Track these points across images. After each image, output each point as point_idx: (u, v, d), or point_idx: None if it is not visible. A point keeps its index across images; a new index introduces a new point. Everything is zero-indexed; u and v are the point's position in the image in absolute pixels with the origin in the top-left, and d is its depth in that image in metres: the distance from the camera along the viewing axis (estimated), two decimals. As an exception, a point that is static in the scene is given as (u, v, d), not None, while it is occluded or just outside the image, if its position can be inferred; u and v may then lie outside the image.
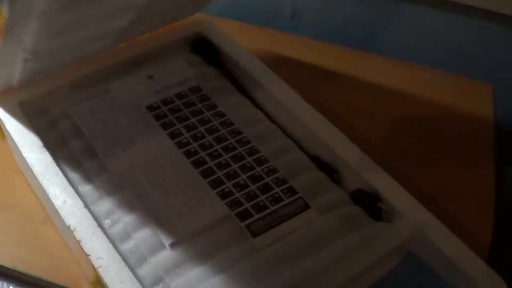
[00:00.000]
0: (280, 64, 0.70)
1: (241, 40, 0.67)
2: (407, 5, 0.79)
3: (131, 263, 0.50)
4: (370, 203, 0.56)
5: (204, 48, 0.67)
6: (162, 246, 0.50)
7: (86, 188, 0.54)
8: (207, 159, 0.56)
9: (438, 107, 0.74)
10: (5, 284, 0.56)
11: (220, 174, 0.55)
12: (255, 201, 0.53)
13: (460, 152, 0.68)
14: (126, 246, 0.51)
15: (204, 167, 0.55)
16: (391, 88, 0.75)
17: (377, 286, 0.53)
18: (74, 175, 0.55)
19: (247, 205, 0.53)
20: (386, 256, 0.53)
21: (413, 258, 0.54)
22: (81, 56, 0.59)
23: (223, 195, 0.53)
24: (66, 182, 0.53)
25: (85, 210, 0.51)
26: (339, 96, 0.71)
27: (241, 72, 0.65)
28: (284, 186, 0.55)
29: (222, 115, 0.60)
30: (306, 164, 0.59)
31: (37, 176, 0.53)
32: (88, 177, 0.55)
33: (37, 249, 0.56)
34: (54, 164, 0.54)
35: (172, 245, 0.50)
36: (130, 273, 0.48)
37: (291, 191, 0.54)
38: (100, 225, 0.51)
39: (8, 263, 0.55)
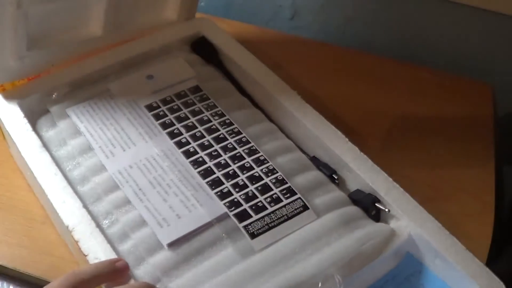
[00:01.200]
0: (280, 64, 0.70)
1: (241, 40, 0.67)
2: (407, 5, 0.79)
3: (129, 264, 0.50)
4: (368, 204, 0.56)
5: (204, 48, 0.67)
6: (160, 247, 0.50)
7: (85, 188, 0.54)
8: (206, 159, 0.56)
9: (438, 107, 0.74)
10: (5, 284, 0.56)
11: (219, 174, 0.55)
12: (254, 202, 0.53)
13: (460, 152, 0.68)
14: (124, 247, 0.51)
15: (203, 167, 0.55)
16: (391, 88, 0.75)
17: (376, 287, 0.53)
18: (73, 175, 0.55)
19: (245, 205, 0.53)
20: (385, 257, 0.53)
21: (412, 258, 0.54)
22: (76, 48, 0.60)
23: (222, 195, 0.53)
24: (65, 182, 0.53)
25: (84, 210, 0.51)
26: (339, 96, 0.71)
27: (241, 72, 0.65)
28: (283, 187, 0.55)
29: (221, 115, 0.60)
30: (306, 164, 0.59)
31: (36, 176, 0.53)
32: (87, 177, 0.55)
33: (37, 249, 0.56)
34: (53, 164, 0.54)
35: (170, 245, 0.50)
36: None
37: (290, 191, 0.54)
38: (98, 225, 0.51)
39: (8, 263, 0.56)
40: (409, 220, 0.54)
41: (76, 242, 0.49)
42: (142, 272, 0.49)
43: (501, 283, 0.51)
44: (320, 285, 0.49)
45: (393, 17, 0.82)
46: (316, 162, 0.59)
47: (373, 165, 0.58)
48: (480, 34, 0.80)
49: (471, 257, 0.52)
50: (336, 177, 0.58)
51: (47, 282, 0.54)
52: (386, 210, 0.55)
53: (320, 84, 0.73)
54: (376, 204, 0.56)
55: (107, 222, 0.52)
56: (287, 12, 0.85)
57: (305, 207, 0.53)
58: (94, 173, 0.55)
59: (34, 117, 0.59)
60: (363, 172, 0.57)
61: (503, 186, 0.82)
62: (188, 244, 0.50)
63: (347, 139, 0.59)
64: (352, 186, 0.58)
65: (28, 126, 0.57)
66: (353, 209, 0.55)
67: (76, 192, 0.53)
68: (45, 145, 0.56)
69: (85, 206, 0.52)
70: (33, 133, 0.56)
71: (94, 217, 0.52)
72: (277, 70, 0.64)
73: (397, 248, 0.53)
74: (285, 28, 0.87)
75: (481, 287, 0.50)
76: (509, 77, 0.81)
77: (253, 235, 0.51)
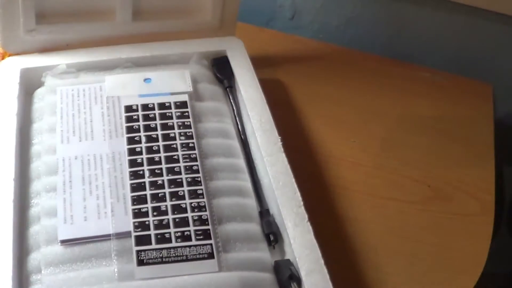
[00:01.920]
0: (280, 64, 0.71)
1: (242, 40, 0.67)
2: (407, 5, 0.79)
3: (25, 247, 0.51)
4: (284, 279, 0.50)
5: (221, 68, 0.65)
6: (56, 241, 0.50)
7: (34, 165, 0.56)
8: (147, 174, 0.55)
9: (438, 107, 0.75)
10: None
11: (148, 192, 0.53)
12: (162, 231, 0.51)
13: (460, 152, 0.69)
14: (31, 230, 0.52)
15: (138, 180, 0.54)
16: (391, 88, 0.75)
17: None
18: (33, 149, 0.57)
19: (152, 231, 0.51)
20: None
21: None
22: (91, 31, 0.63)
23: (137, 214, 0.52)
24: (13, 153, 0.55)
25: (12, 183, 0.53)
26: (338, 96, 0.71)
27: (241, 103, 0.63)
28: (201, 227, 0.52)
29: (189, 137, 0.58)
30: (249, 214, 0.55)
31: (-4, 137, 0.57)
32: (39, 155, 0.57)
33: None
34: (15, 133, 0.57)
35: (63, 243, 0.50)
36: (11, 258, 0.48)
37: (206, 235, 0.51)
38: (21, 202, 0.53)
39: None
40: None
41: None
42: (31, 258, 0.50)
43: None
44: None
45: (393, 17, 0.82)
46: (265, 216, 0.55)
47: (312, 241, 0.52)
48: (480, 34, 0.81)
49: None
50: (272, 238, 0.53)
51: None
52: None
53: (320, 84, 0.73)
54: (292, 283, 0.50)
55: (33, 202, 0.54)
56: (287, 12, 0.85)
57: (210, 256, 0.50)
58: (46, 153, 0.56)
59: (33, 87, 0.62)
60: (297, 243, 0.52)
61: (503, 186, 0.84)
62: (80, 248, 0.50)
63: (302, 203, 0.54)
64: (288, 254, 0.53)
65: (16, 92, 0.60)
66: (266, 278, 0.51)
67: (25, 166, 0.56)
68: (20, 113, 0.59)
69: (22, 181, 0.55)
70: (16, 100, 0.59)
71: (25, 195, 0.54)
72: (277, 70, 0.67)
73: None
74: (285, 28, 0.87)
75: None
76: (509, 77, 0.83)
77: (141, 262, 0.49)
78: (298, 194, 0.55)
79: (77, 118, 0.59)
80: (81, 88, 0.61)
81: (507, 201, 0.88)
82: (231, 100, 0.64)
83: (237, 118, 0.63)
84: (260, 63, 0.66)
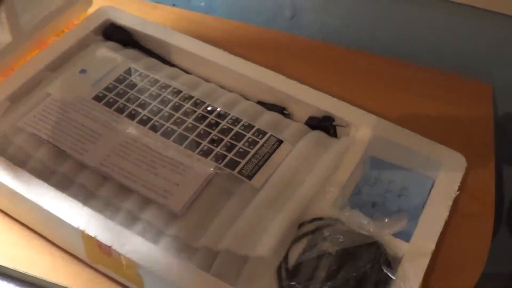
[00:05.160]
0: (280, 64, 0.69)
1: (241, 40, 0.68)
2: (407, 5, 0.79)
3: (148, 241, 0.50)
4: (327, 125, 0.61)
5: (116, 34, 0.67)
6: (174, 215, 0.52)
7: (71, 191, 0.53)
8: (174, 127, 0.58)
9: (438, 107, 0.75)
10: (5, 284, 0.54)
11: (192, 136, 0.57)
12: (235, 150, 0.56)
13: (460, 152, 0.65)
14: (138, 228, 0.52)
15: (175, 134, 0.57)
16: (391, 88, 0.76)
17: (355, 192, 0.59)
18: (53, 183, 0.53)
19: (230, 155, 0.56)
20: (357, 164, 0.59)
21: (377, 160, 0.61)
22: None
23: (205, 153, 0.56)
24: (52, 189, 0.52)
25: (86, 208, 0.51)
26: (338, 96, 0.67)
27: (162, 45, 0.67)
28: (253, 130, 0.58)
29: (166, 86, 0.61)
30: (256, 109, 0.63)
31: (23, 194, 0.51)
32: (70, 180, 0.54)
33: (37, 249, 0.55)
34: (33, 176, 0.52)
35: (182, 211, 0.52)
36: (156, 248, 0.49)
37: (261, 132, 0.58)
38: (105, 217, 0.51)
39: (8, 263, 0.54)
40: (365, 127, 0.60)
41: (95, 237, 0.49)
42: (165, 244, 0.51)
43: (462, 156, 0.59)
44: (322, 198, 0.54)
45: (393, 17, 0.81)
46: (264, 105, 0.63)
47: (317, 92, 0.63)
48: (480, 34, 0.79)
49: (430, 141, 0.60)
50: (287, 112, 0.63)
51: (47, 282, 0.54)
52: (344, 125, 0.61)
53: (320, 84, 0.69)
54: (333, 123, 0.61)
55: (109, 214, 0.52)
56: (287, 12, 0.83)
57: (280, 141, 0.58)
58: (75, 174, 0.54)
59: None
60: (310, 99, 0.62)
61: (503, 186, 0.84)
62: (197, 204, 0.53)
63: (284, 77, 0.64)
64: (304, 115, 0.63)
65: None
66: (316, 133, 0.61)
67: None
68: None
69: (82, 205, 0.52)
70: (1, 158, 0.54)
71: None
72: (277, 70, 0.65)
73: (364, 153, 0.59)
74: (285, 28, 0.85)
75: (445, 164, 0.58)
76: (509, 77, 0.80)
77: (249, 177, 0.55)
78: (280, 74, 0.64)
79: (69, 131, 0.56)
80: (39, 110, 0.57)
81: (507, 201, 0.85)
82: (151, 51, 0.67)
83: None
84: (260, 63, 0.66)
